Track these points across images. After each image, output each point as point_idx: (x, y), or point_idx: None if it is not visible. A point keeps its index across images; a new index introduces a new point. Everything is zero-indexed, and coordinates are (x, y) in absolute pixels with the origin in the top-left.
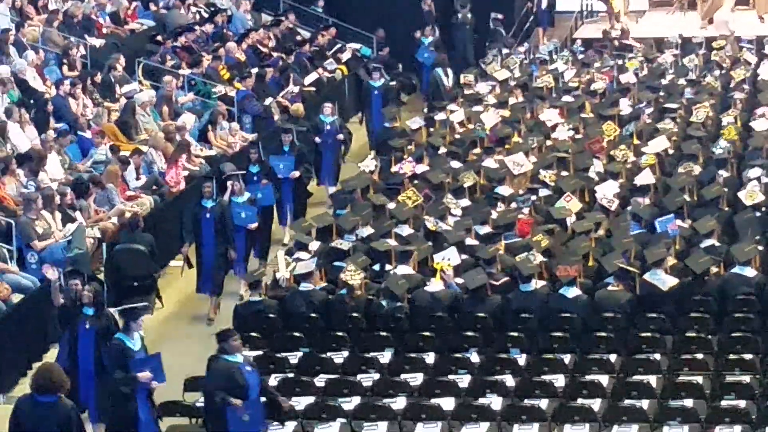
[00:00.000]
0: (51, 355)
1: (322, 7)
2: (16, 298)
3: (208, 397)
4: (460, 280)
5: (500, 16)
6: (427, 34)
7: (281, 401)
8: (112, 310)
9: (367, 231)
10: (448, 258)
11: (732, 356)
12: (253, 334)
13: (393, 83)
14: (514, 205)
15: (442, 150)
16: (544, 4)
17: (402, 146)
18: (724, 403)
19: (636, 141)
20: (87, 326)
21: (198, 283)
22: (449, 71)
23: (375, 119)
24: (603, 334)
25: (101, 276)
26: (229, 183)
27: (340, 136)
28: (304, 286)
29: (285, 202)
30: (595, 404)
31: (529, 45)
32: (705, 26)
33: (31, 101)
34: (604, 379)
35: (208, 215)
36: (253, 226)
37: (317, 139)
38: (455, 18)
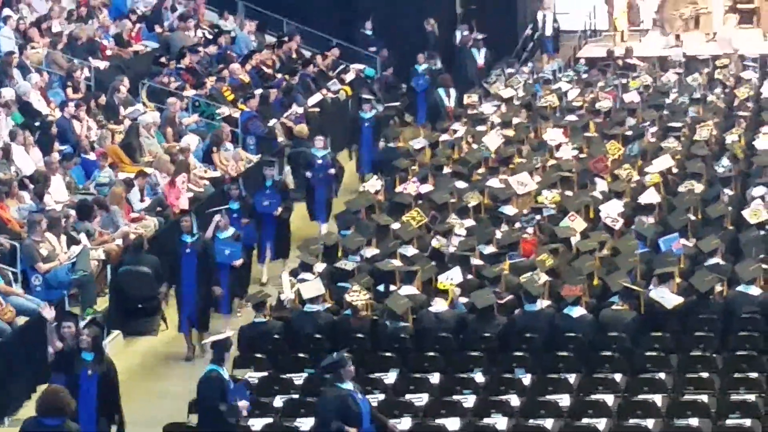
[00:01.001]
0: None
1: (371, 29)
2: (21, 320)
3: (323, 425)
4: (464, 300)
5: (480, 36)
6: (420, 61)
7: (391, 426)
8: (208, 341)
9: (371, 251)
10: (451, 278)
11: (737, 375)
12: (258, 355)
13: (398, 103)
14: (518, 224)
15: (447, 170)
16: (548, 31)
17: (406, 167)
18: (729, 422)
19: (640, 161)
20: (89, 373)
21: (179, 321)
22: (452, 91)
23: (365, 151)
24: (608, 353)
25: (97, 312)
26: (214, 218)
27: (332, 171)
28: (309, 307)
29: (265, 239)
30: (601, 424)
31: (533, 65)
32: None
33: (36, 124)
34: (609, 399)
35: (188, 251)
36: (238, 262)
37: (308, 174)
38: (453, 38)
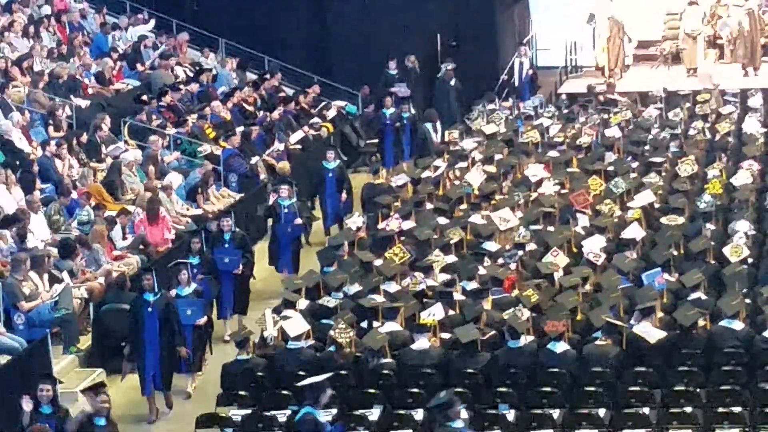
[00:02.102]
0: None
1: (395, 69)
2: (3, 359)
3: None
4: (446, 335)
5: (450, 67)
6: (387, 105)
7: None
8: (305, 382)
9: (354, 288)
10: (433, 314)
11: (720, 409)
12: (242, 392)
13: (376, 140)
14: (501, 260)
15: (429, 206)
16: (523, 75)
17: (388, 203)
18: None
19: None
20: None
21: (141, 384)
22: (438, 126)
23: (329, 201)
24: (591, 388)
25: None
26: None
27: (298, 221)
28: (293, 344)
29: (226, 295)
30: None
31: (514, 101)
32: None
33: (17, 162)
34: None
35: (150, 309)
36: (202, 321)
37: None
38: (437, 71)
